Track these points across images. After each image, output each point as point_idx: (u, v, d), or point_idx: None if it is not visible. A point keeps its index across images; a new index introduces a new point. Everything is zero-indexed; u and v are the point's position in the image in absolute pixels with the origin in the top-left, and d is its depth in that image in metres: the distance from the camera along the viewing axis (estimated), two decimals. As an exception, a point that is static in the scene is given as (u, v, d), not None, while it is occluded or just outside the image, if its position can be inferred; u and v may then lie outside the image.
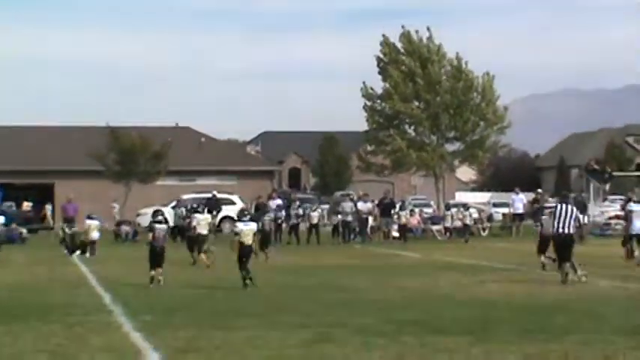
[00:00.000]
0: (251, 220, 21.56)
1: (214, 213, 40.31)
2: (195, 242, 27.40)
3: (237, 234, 20.52)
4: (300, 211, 41.13)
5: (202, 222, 27.70)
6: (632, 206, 26.89)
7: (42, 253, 32.66)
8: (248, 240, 20.28)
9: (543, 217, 25.22)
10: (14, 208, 47.30)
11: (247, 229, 20.49)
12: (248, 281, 19.70)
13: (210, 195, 43.11)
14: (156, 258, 20.95)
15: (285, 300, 17.66)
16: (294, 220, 39.95)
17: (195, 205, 31.48)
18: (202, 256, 26.43)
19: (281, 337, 12.78)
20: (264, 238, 27.43)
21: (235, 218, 21.91)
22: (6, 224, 37.12)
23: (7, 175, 54.48)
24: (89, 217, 33.14)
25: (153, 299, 17.80)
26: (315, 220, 40.26)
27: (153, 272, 20.77)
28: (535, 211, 38.34)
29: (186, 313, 15.53)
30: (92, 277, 23.25)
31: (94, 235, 32.44)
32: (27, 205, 48.78)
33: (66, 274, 24.45)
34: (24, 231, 40.92)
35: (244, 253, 20.13)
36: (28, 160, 57.08)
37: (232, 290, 19.41)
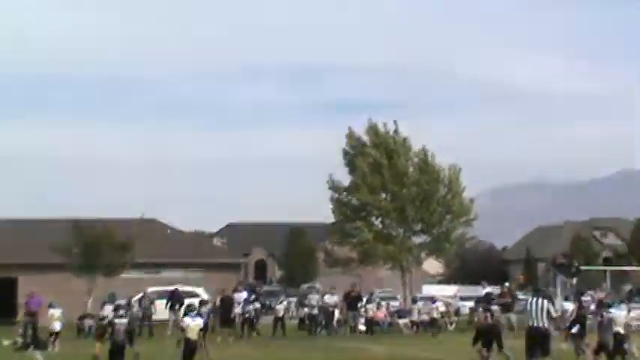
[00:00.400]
0: (198, 315, 21.37)
1: (177, 307, 39.93)
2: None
3: (183, 329, 20.42)
4: (258, 305, 40.69)
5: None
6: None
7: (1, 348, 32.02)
8: (193, 335, 20.23)
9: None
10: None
11: (193, 324, 20.45)
12: None
13: (173, 288, 42.69)
14: (116, 355, 20.58)
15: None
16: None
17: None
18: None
19: None
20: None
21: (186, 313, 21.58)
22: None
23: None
24: (51, 306, 32.70)
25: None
26: (280, 313, 39.97)
27: None
28: (503, 304, 38.09)
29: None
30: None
31: (56, 325, 31.97)
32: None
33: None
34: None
35: (190, 349, 20.04)
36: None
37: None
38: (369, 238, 52.06)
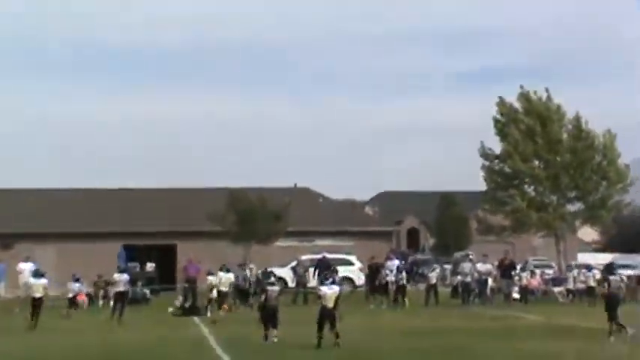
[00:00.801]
0: (333, 283, 21.89)
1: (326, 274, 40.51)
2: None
3: (320, 297, 21.06)
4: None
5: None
6: None
7: (164, 314, 33.08)
8: (330, 303, 20.76)
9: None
10: (138, 269, 48.27)
11: (330, 293, 21.01)
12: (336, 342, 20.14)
13: (320, 256, 43.14)
14: (269, 318, 21.56)
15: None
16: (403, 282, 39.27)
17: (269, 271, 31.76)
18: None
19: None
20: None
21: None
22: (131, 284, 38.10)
23: (131, 236, 55.62)
24: (210, 274, 33.67)
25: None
26: (433, 281, 39.93)
27: (266, 332, 21.46)
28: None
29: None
30: (212, 338, 23.45)
31: (214, 293, 32.99)
32: (150, 267, 49.78)
33: (187, 335, 24.75)
34: (147, 292, 41.66)
35: (326, 315, 20.57)
36: (149, 221, 58.20)
37: (350, 351, 19.37)
38: (523, 205, 51.47)
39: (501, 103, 53.59)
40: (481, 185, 55.50)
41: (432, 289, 39.51)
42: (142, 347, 21.05)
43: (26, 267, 38.59)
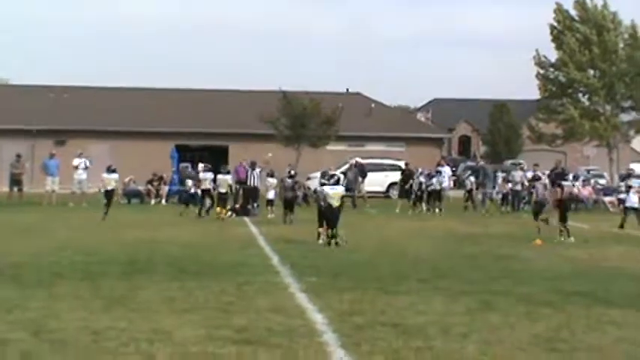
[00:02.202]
0: (336, 184, 22.18)
1: (360, 179, 40.98)
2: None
3: (324, 197, 21.48)
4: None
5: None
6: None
7: (214, 213, 33.47)
8: (335, 202, 21.29)
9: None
10: (190, 169, 48.72)
11: (333, 192, 21.48)
12: (333, 242, 20.87)
13: (353, 161, 43.42)
14: (328, 217, 21.56)
15: (449, 267, 17.65)
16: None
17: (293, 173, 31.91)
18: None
19: (444, 304, 12.86)
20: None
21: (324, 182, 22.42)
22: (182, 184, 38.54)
23: (183, 136, 56.15)
24: (269, 175, 33.93)
25: (319, 261, 18.07)
26: (468, 187, 39.94)
27: (321, 229, 21.67)
28: None
29: (351, 276, 15.74)
30: (262, 237, 23.82)
31: (270, 194, 33.33)
32: (202, 167, 50.18)
33: (237, 234, 25.14)
34: (198, 191, 42.07)
35: (331, 213, 21.17)
36: (202, 122, 58.63)
37: (397, 255, 19.59)
38: (576, 115, 51.15)
39: (558, 9, 52.85)
40: (533, 94, 55.19)
41: (469, 194, 39.59)
42: (193, 245, 21.42)
43: (80, 163, 39.29)
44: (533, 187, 27.49)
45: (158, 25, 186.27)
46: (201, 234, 24.58)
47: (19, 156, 40.95)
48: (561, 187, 25.97)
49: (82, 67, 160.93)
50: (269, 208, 33.01)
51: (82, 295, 13.17)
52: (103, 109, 59.72)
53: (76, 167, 39.16)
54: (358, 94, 68.32)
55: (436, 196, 38.37)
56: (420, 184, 37.49)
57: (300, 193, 39.61)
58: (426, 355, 9.63)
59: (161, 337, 10.29)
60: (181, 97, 63.25)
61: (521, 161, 54.83)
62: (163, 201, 41.86)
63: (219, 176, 33.10)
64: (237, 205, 34.94)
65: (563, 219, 24.71)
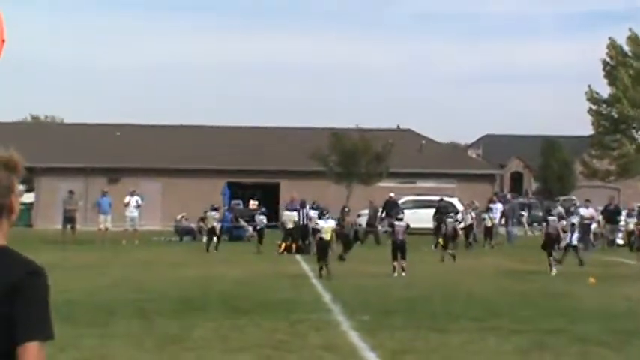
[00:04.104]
0: (329, 219, 24.11)
1: (382, 215, 41.33)
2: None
3: (318, 230, 23.85)
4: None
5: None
6: None
7: (267, 249, 33.54)
8: (327, 235, 23.07)
9: None
10: (241, 206, 48.97)
11: (327, 226, 23.38)
12: (323, 272, 22.57)
13: (387, 197, 43.47)
14: (396, 251, 23.95)
15: (501, 304, 17.51)
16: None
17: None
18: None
19: (496, 343, 12.76)
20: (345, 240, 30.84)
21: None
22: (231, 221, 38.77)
23: (235, 174, 56.45)
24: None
25: (371, 298, 18.06)
26: (489, 224, 39.58)
27: (395, 263, 23.69)
28: None
29: (404, 314, 15.69)
30: (313, 274, 23.82)
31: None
32: (253, 204, 50.41)
33: (288, 270, 25.17)
34: (250, 229, 42.22)
35: (323, 247, 22.89)
36: (254, 160, 58.94)
37: (449, 293, 19.49)
38: (630, 151, 50.67)
39: (611, 45, 52.52)
40: (584, 130, 54.78)
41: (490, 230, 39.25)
42: (245, 282, 21.50)
43: (131, 200, 39.64)
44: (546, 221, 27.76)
45: (208, 63, 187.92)
46: (254, 271, 24.64)
47: (71, 192, 41.03)
48: (547, 222, 26.95)
49: (133, 105, 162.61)
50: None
51: (135, 334, 13.25)
52: (154, 147, 60.30)
53: (127, 205, 39.49)
54: (409, 130, 68.33)
55: (487, 232, 38.25)
56: (456, 221, 36.74)
57: (350, 232, 39.58)
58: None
59: (214, 375, 10.33)
60: (232, 134, 63.70)
61: (573, 198, 54.38)
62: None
63: (286, 212, 34.32)
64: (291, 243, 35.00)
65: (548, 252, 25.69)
